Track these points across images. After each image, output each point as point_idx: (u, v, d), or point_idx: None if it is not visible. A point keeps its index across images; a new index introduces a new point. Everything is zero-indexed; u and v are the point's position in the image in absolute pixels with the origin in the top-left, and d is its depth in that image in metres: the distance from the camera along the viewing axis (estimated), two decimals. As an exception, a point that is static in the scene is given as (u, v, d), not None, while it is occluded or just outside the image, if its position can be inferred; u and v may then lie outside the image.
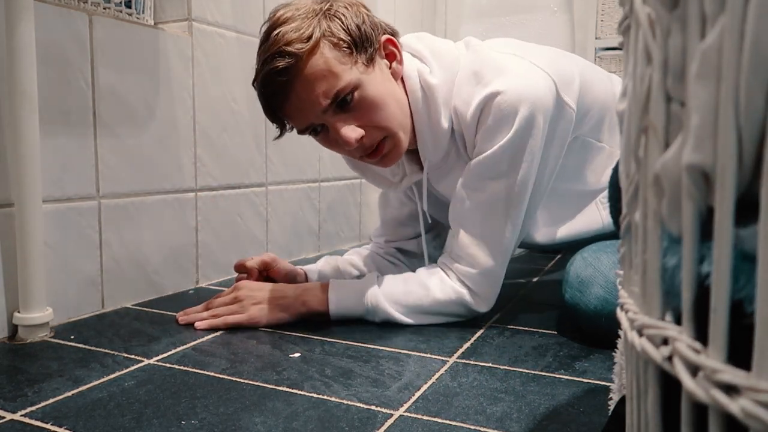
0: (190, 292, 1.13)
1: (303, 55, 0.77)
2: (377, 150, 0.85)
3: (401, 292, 0.90)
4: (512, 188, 0.86)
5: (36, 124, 0.82)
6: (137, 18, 1.05)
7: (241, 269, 1.00)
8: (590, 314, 0.80)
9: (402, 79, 0.88)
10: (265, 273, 1.02)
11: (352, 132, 0.81)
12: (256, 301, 0.90)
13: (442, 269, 0.91)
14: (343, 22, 0.80)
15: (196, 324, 0.89)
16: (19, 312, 0.83)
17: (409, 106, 0.88)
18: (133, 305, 1.02)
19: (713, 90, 0.22)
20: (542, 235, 1.04)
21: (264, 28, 0.82)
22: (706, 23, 0.23)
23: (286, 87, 0.79)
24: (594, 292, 0.80)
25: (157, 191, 1.07)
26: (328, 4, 0.82)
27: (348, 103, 0.81)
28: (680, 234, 0.25)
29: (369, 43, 0.82)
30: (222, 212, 1.23)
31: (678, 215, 0.25)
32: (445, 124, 0.88)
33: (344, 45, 0.79)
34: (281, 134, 0.89)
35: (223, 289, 1.15)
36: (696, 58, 0.23)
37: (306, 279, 1.04)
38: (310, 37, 0.78)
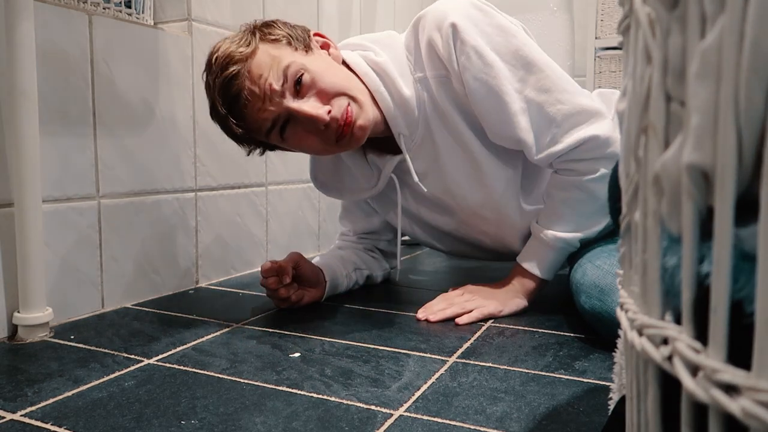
0: (190, 292, 1.13)
1: (246, 58, 0.83)
2: (347, 120, 0.86)
3: (567, 218, 0.95)
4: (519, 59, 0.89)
5: (36, 124, 0.82)
6: (137, 18, 1.05)
7: (271, 272, 0.96)
8: (614, 320, 0.80)
9: (351, 68, 0.92)
10: (294, 272, 1.00)
11: (319, 108, 0.84)
12: (491, 297, 0.98)
13: (559, 173, 0.95)
14: (274, 30, 0.88)
15: (458, 320, 0.92)
16: (19, 312, 0.83)
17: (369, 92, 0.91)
18: (133, 305, 1.02)
19: (713, 90, 0.22)
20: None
21: (206, 64, 0.88)
22: (706, 23, 0.23)
23: (240, 92, 0.83)
24: (616, 299, 0.80)
25: (157, 191, 1.07)
26: (253, 25, 0.89)
27: (302, 85, 0.84)
28: (680, 234, 0.25)
29: (302, 37, 0.89)
30: (222, 212, 1.23)
31: (678, 215, 0.25)
32: (407, 92, 0.91)
33: (282, 40, 0.86)
34: (251, 151, 0.95)
35: (224, 289, 1.15)
36: (696, 57, 0.23)
37: (324, 277, 1.04)
38: (249, 43, 0.85)
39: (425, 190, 1.04)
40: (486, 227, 1.05)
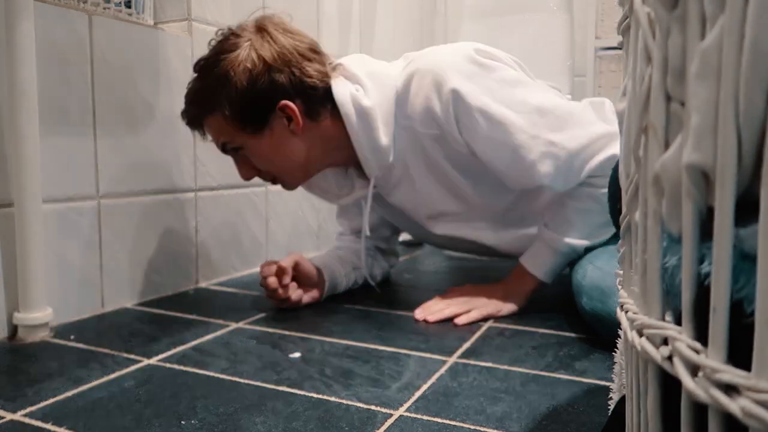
0: (190, 292, 1.13)
1: (202, 115, 0.92)
2: (274, 183, 0.99)
3: (577, 226, 0.95)
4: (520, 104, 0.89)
5: (36, 124, 0.82)
6: (137, 18, 1.05)
7: (270, 272, 0.96)
8: (615, 322, 0.80)
9: (335, 108, 0.93)
10: (293, 272, 1.00)
11: (244, 172, 0.96)
12: (490, 297, 0.98)
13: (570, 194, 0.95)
14: (236, 91, 0.87)
15: (457, 320, 0.93)
16: (19, 312, 0.83)
17: (345, 129, 0.93)
18: (133, 305, 1.02)
19: (713, 90, 0.22)
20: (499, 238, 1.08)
21: (200, 57, 0.92)
22: (705, 23, 0.23)
23: (194, 122, 0.95)
24: (617, 300, 0.81)
25: (157, 191, 1.07)
26: (230, 64, 0.87)
27: (238, 152, 0.94)
28: (680, 234, 0.25)
29: (260, 112, 0.89)
30: (222, 212, 1.23)
31: (678, 215, 0.25)
32: (384, 141, 0.93)
33: (233, 118, 0.89)
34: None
35: (224, 289, 1.15)
36: (696, 58, 0.23)
37: (323, 278, 1.05)
38: (206, 105, 0.90)
39: (368, 233, 1.07)
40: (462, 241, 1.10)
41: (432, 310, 0.96)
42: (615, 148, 0.90)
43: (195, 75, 0.92)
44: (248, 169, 0.96)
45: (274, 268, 0.96)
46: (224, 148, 0.94)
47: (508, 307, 0.97)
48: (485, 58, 0.90)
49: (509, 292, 0.99)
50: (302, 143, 0.93)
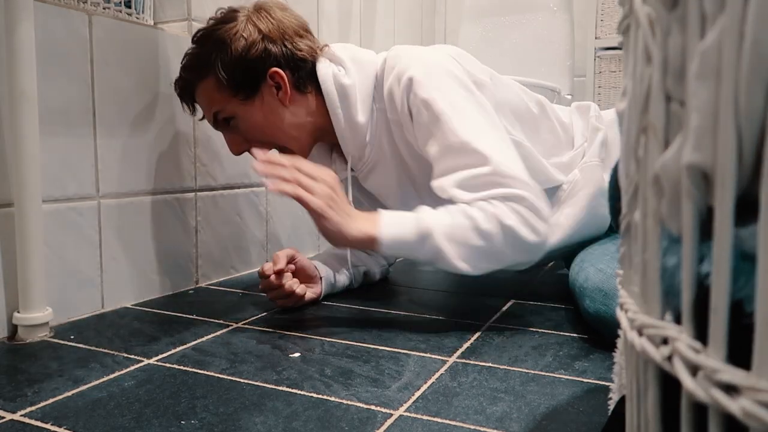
0: (190, 292, 1.13)
1: (195, 80, 0.95)
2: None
3: (449, 224, 0.81)
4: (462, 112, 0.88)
5: (36, 124, 0.82)
6: (137, 18, 1.05)
7: (269, 269, 0.94)
8: (619, 324, 0.79)
9: (317, 87, 0.97)
10: (292, 265, 1.00)
11: (234, 146, 0.99)
12: (328, 194, 0.82)
13: (470, 206, 0.82)
14: (231, 56, 0.91)
15: (270, 184, 0.80)
16: (18, 312, 0.83)
17: (326, 108, 0.96)
18: (133, 305, 1.02)
19: (713, 90, 0.22)
20: None
21: (199, 28, 0.96)
22: (705, 23, 0.23)
23: (186, 90, 0.98)
24: None
25: (157, 191, 1.07)
26: (227, 32, 0.92)
27: (229, 123, 0.96)
28: (680, 234, 0.25)
29: (252, 79, 0.92)
30: (222, 212, 1.23)
31: (678, 215, 0.25)
32: (361, 119, 0.96)
33: (226, 83, 0.92)
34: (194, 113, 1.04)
35: (224, 289, 1.15)
36: (696, 57, 0.23)
37: (320, 277, 1.04)
38: (206, 64, 0.92)
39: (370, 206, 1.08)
40: None
41: (274, 169, 0.82)
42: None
43: (192, 45, 0.96)
44: (239, 143, 0.98)
45: (270, 265, 0.96)
46: (215, 119, 0.96)
47: (328, 221, 0.81)
48: (457, 63, 0.92)
49: (349, 218, 0.82)
50: (290, 114, 0.96)
